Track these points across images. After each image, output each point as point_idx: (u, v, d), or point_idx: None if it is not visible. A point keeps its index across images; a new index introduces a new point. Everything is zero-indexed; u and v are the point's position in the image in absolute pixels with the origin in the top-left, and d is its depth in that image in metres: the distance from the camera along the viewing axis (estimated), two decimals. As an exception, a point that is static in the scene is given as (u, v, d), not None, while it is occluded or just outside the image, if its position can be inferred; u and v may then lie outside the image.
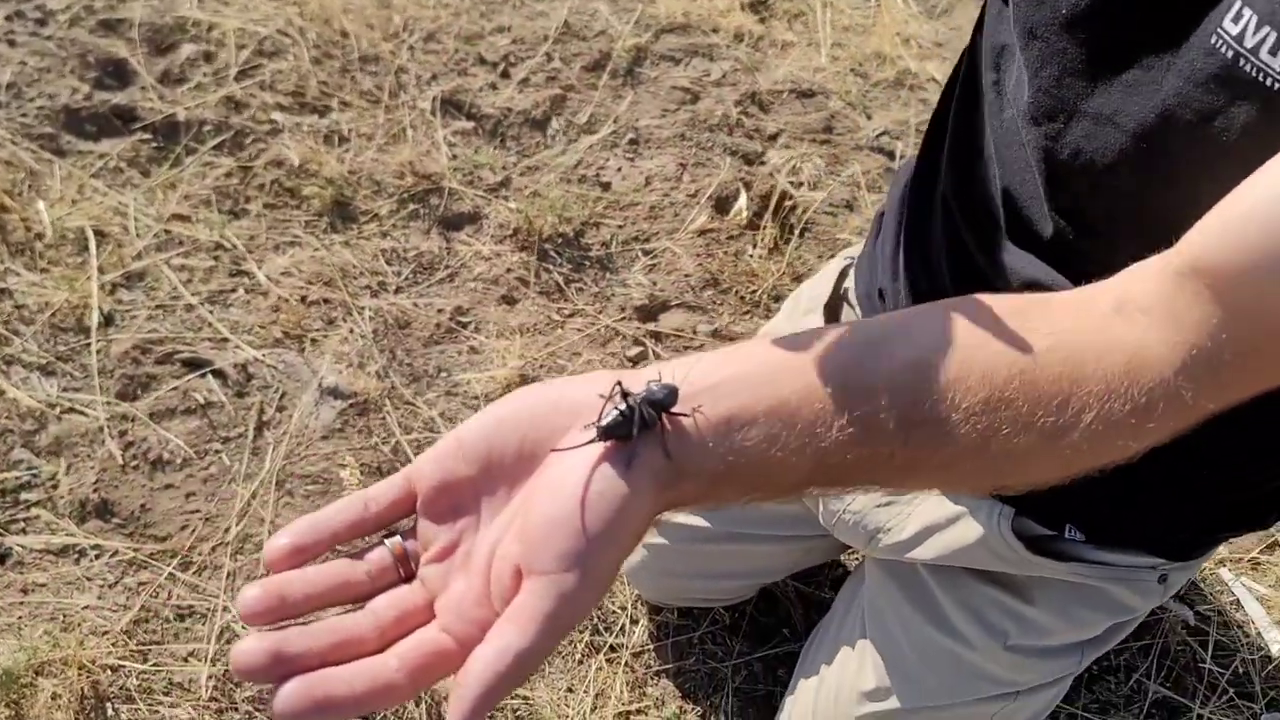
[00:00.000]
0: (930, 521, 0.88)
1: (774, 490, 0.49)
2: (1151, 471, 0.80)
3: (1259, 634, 1.35)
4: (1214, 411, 0.52)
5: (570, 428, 0.47)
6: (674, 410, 0.46)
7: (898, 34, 1.97)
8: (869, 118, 1.85)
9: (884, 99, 1.88)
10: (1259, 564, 1.41)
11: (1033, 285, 0.72)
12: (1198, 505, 0.82)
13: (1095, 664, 1.32)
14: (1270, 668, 1.33)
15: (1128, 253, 0.56)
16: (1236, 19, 0.55)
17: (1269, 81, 0.54)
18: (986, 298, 0.54)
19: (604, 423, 0.45)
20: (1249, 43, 0.55)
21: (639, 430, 0.45)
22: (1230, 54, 0.56)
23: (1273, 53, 0.54)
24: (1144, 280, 0.53)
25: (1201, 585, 1.39)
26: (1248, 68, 0.55)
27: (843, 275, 1.03)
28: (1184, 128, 0.59)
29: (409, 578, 0.50)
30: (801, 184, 1.73)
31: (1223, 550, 1.42)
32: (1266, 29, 0.54)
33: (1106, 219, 0.69)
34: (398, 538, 0.50)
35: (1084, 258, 0.58)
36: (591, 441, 0.46)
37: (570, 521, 0.44)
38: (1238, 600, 1.38)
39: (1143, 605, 0.92)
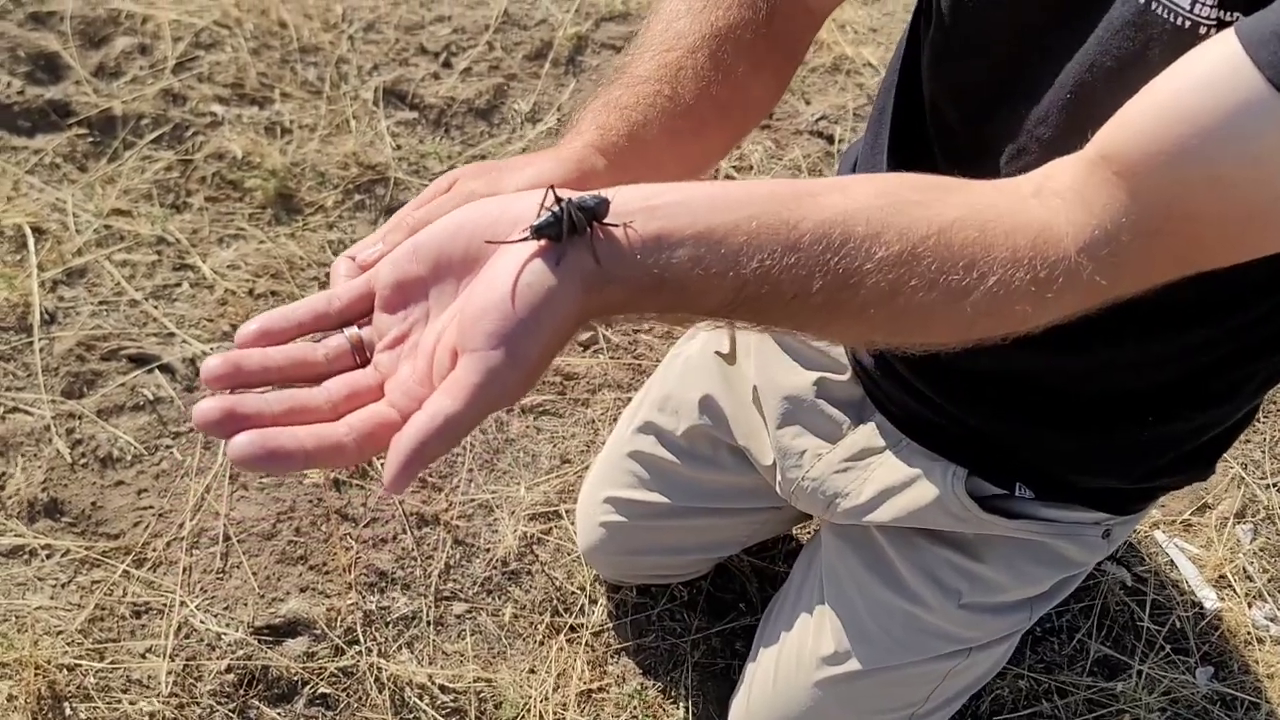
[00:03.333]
0: (887, 485, 0.91)
1: (696, 308, 0.52)
2: (1096, 432, 0.84)
3: (1192, 592, 1.41)
4: (1108, 294, 0.56)
5: (512, 234, 0.51)
6: (606, 221, 0.50)
7: (833, 19, 2.00)
8: (807, 103, 1.88)
9: (821, 84, 1.92)
10: (1190, 525, 1.48)
11: None
12: (1140, 461, 0.86)
13: (1039, 626, 1.36)
14: (1203, 623, 1.39)
15: None
16: None
17: (1178, 20, 0.57)
18: (916, 175, 0.58)
19: (536, 223, 0.49)
20: None
21: (568, 232, 0.49)
22: None
23: None
24: (1062, 169, 0.57)
25: (1138, 547, 1.44)
26: (1159, 9, 0.58)
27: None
28: (1105, 75, 0.62)
29: (364, 364, 0.54)
30: (745, 168, 1.76)
31: (1156, 514, 1.48)
32: None
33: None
34: (355, 328, 0.55)
35: None
36: (524, 239, 0.50)
37: (500, 306, 0.48)
38: (1171, 561, 1.44)
39: (1088, 559, 0.96)
